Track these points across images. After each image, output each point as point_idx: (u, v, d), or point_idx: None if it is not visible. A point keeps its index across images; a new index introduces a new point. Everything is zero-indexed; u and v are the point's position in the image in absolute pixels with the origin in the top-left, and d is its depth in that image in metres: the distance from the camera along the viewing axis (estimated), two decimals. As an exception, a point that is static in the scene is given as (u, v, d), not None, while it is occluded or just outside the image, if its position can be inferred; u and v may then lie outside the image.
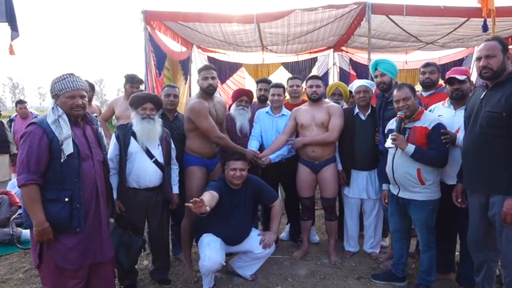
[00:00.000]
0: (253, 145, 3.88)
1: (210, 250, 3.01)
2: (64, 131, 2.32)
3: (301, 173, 3.74)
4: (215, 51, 8.41)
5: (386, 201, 3.28)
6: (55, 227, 2.31)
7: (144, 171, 3.01)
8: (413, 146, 2.80)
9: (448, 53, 9.13)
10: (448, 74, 2.96)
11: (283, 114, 3.94)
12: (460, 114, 2.83)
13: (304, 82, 3.94)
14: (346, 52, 8.86)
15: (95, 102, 5.38)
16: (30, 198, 2.26)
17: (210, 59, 8.42)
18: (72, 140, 2.33)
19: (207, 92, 3.41)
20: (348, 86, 4.32)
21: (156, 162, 3.06)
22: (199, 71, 3.50)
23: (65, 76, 2.41)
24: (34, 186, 2.25)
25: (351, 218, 3.77)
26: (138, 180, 3.00)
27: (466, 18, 6.43)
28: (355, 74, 8.88)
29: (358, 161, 3.57)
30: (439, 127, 2.83)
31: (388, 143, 2.87)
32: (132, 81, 4.19)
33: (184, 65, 7.51)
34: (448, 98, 3.06)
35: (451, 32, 7.18)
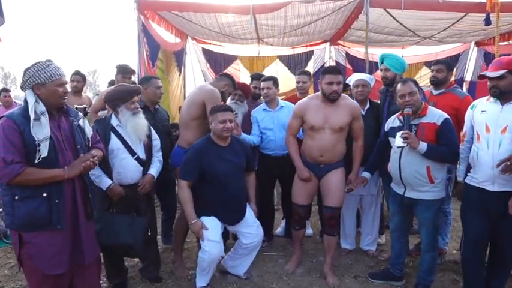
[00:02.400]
0: (249, 137, 3.81)
1: (210, 245, 2.89)
2: (45, 131, 2.15)
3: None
4: (210, 43, 8.26)
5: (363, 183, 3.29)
6: (33, 225, 2.16)
7: (126, 169, 2.87)
8: (425, 144, 2.69)
9: (445, 48, 9.07)
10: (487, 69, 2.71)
11: (281, 107, 3.82)
12: (509, 109, 2.50)
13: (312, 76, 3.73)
14: (343, 46, 8.78)
15: (88, 93, 5.25)
16: (34, 179, 2.12)
17: (204, 50, 8.28)
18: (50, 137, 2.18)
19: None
20: (344, 81, 4.24)
21: (137, 159, 2.92)
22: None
23: (48, 63, 2.24)
24: (28, 169, 2.09)
25: (349, 214, 3.70)
26: (119, 178, 2.86)
27: (465, 13, 6.37)
28: (351, 68, 8.79)
29: None
30: (449, 122, 2.75)
31: (399, 141, 2.71)
32: (124, 71, 4.06)
33: (179, 56, 7.37)
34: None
35: (449, 26, 7.11)
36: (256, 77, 4.31)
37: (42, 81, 2.19)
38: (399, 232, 3.08)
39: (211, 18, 6.40)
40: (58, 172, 2.19)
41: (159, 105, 3.79)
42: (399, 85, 2.85)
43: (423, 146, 2.68)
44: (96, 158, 2.39)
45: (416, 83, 2.86)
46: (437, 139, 2.73)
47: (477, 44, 8.67)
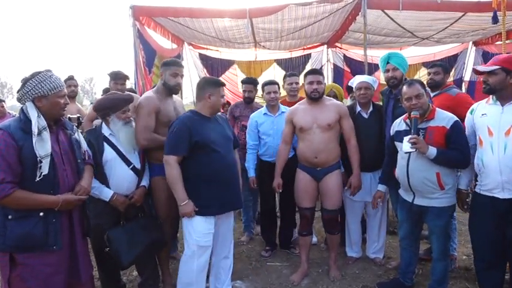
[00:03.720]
0: (251, 162, 3.78)
1: (200, 251, 2.72)
2: (46, 147, 2.04)
3: (300, 180, 3.29)
4: (207, 48, 8.18)
5: (380, 202, 3.19)
6: (27, 247, 2.03)
7: (122, 179, 2.75)
8: (435, 149, 2.56)
9: (443, 49, 9.02)
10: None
11: (282, 112, 3.73)
12: (510, 110, 2.36)
13: (302, 77, 3.71)
14: (340, 48, 8.71)
15: (85, 101, 5.10)
16: (25, 203, 2.01)
17: (201, 56, 8.20)
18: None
19: (172, 90, 3.05)
20: (342, 84, 4.20)
21: (133, 168, 2.81)
22: (166, 64, 3.06)
23: (50, 73, 2.14)
24: (18, 191, 1.97)
25: (354, 222, 3.59)
26: (115, 189, 2.73)
27: (463, 13, 6.31)
28: (349, 71, 8.74)
29: (362, 162, 3.31)
30: (458, 125, 2.62)
31: (407, 147, 2.57)
32: (115, 77, 3.95)
33: (175, 62, 7.26)
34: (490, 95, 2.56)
35: (447, 27, 7.06)
36: (249, 81, 4.25)
37: (45, 93, 2.09)
38: (409, 240, 2.96)
39: (207, 23, 6.32)
40: (51, 200, 2.06)
41: None
42: (405, 87, 2.71)
43: (432, 150, 2.54)
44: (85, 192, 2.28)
45: (422, 85, 2.74)
46: (446, 143, 2.60)
47: (475, 43, 8.62)
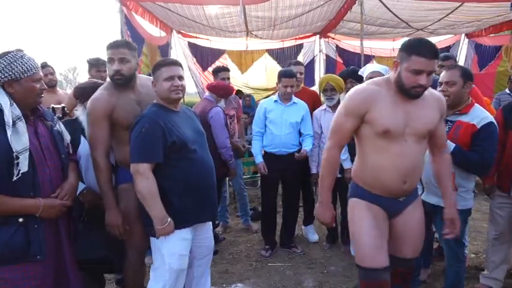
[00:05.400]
0: (257, 148, 3.55)
1: (180, 261, 2.22)
2: (23, 140, 1.75)
3: (367, 220, 1.98)
4: (196, 37, 7.90)
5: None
6: (7, 258, 1.74)
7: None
8: (453, 144, 2.33)
9: (436, 40, 8.93)
10: None
11: (294, 103, 3.50)
12: None
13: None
14: (333, 39, 8.56)
15: (68, 91, 4.68)
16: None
17: (190, 44, 7.94)
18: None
19: (112, 81, 2.31)
20: (335, 74, 4.03)
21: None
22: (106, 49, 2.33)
23: (21, 53, 1.82)
24: None
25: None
26: (90, 185, 2.40)
27: (460, 3, 6.21)
28: (342, 62, 8.61)
29: None
30: (491, 128, 2.35)
31: None
32: (97, 63, 3.57)
33: (164, 50, 6.98)
34: None
35: (443, 17, 6.96)
36: (224, 69, 4.15)
37: (16, 77, 1.77)
38: None
39: (198, 10, 6.07)
40: (29, 204, 1.78)
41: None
42: (444, 71, 2.47)
43: (450, 145, 2.31)
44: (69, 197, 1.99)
45: (465, 74, 2.40)
46: (471, 144, 2.36)
47: (468, 35, 8.58)
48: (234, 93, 4.24)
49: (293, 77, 3.43)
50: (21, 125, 1.76)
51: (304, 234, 4.01)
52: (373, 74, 3.14)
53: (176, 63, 2.27)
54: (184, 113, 2.35)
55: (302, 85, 3.97)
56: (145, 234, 2.28)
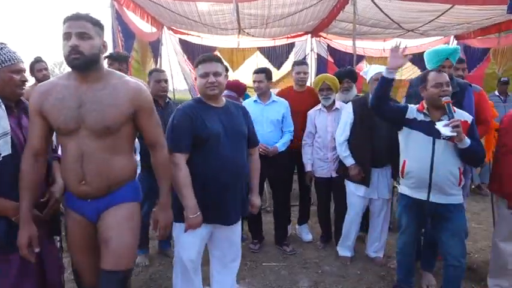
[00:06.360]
0: None
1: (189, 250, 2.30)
2: (3, 124, 1.74)
3: None
4: (187, 34, 7.80)
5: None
6: None
7: None
8: (469, 141, 2.41)
9: (425, 42, 9.02)
10: None
11: (273, 101, 3.57)
12: None
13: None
14: (325, 38, 8.55)
15: None
16: None
17: (181, 41, 7.84)
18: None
19: (71, 64, 1.75)
20: (327, 73, 4.04)
21: None
22: None
23: (1, 45, 1.83)
24: None
25: (355, 219, 3.36)
26: None
27: (451, 5, 6.26)
28: (332, 61, 8.61)
29: (375, 158, 3.14)
30: (473, 121, 2.55)
31: (447, 131, 2.34)
32: None
33: (154, 47, 6.88)
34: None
35: (434, 19, 7.01)
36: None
37: None
38: (411, 248, 2.77)
39: (190, 6, 5.98)
40: (7, 206, 1.76)
41: (170, 99, 3.48)
42: (434, 73, 2.54)
43: (467, 140, 2.40)
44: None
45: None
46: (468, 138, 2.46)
47: (457, 37, 8.66)
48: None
49: (263, 72, 3.59)
50: (1, 111, 1.74)
51: (298, 234, 4.00)
52: (377, 76, 3.13)
53: (212, 59, 2.28)
54: (227, 108, 2.36)
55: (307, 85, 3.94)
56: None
